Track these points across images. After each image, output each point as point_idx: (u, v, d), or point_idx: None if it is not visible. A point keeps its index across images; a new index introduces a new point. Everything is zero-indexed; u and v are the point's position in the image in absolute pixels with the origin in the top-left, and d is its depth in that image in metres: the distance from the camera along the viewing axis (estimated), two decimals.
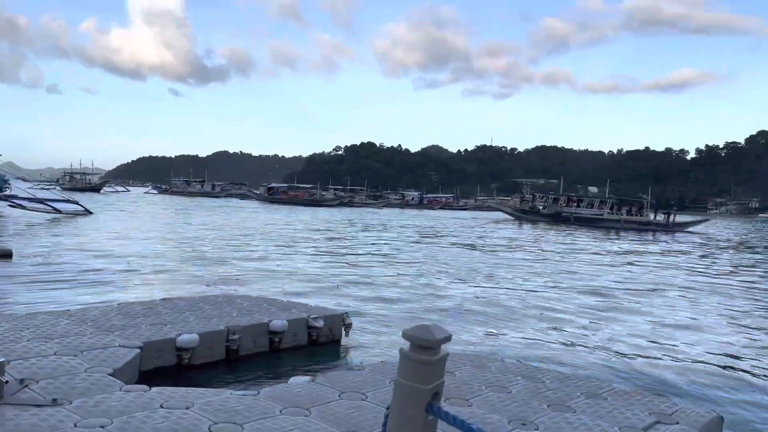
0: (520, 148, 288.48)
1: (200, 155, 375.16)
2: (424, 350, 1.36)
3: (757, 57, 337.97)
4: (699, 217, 64.21)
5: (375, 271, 13.81)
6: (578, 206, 56.47)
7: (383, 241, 23.41)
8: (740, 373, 6.46)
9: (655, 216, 53.47)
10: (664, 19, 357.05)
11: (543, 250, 22.55)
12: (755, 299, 12.22)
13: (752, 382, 6.09)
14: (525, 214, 56.28)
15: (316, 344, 6.47)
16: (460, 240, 26.51)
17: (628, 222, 50.59)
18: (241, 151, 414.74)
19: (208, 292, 9.15)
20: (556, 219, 53.03)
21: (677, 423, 3.97)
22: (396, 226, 37.04)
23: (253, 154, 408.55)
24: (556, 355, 6.75)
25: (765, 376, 6.39)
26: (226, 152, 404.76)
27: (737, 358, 7.13)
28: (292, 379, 4.43)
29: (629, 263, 18.69)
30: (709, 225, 58.36)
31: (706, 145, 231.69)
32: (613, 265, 17.85)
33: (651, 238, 37.18)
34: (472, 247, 22.92)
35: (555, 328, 8.21)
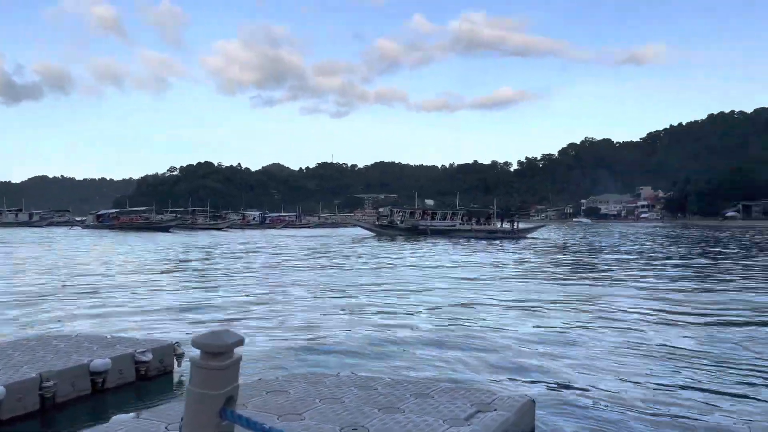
0: (360, 165, 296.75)
1: (14, 181, 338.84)
2: (215, 356, 1.37)
3: (565, 77, 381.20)
4: (537, 224, 72.21)
5: (214, 296, 13.34)
6: (433, 219, 60.24)
7: (227, 265, 22.70)
8: (550, 358, 7.17)
9: (501, 224, 58.59)
10: (485, 41, 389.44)
11: (397, 265, 23.29)
12: (575, 294, 13.60)
13: (561, 366, 6.79)
14: (384, 230, 58.10)
15: (145, 379, 6.10)
16: (313, 261, 26.55)
17: (479, 231, 54.64)
18: (62, 176, 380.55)
19: (19, 335, 8.23)
20: (414, 232, 55.76)
21: (495, 410, 4.32)
22: (241, 248, 36.14)
23: (77, 179, 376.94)
24: (392, 363, 7.01)
25: (568, 360, 7.15)
26: (44, 177, 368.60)
27: (548, 346, 7.90)
28: (114, 418, 4.16)
29: (473, 280, 19.86)
30: (543, 231, 64.75)
31: (526, 158, 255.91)
32: (450, 277, 18.92)
33: (499, 244, 40.18)
34: (325, 266, 23.03)
35: (395, 340, 8.50)
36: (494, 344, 8.01)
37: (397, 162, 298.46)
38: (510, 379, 6.35)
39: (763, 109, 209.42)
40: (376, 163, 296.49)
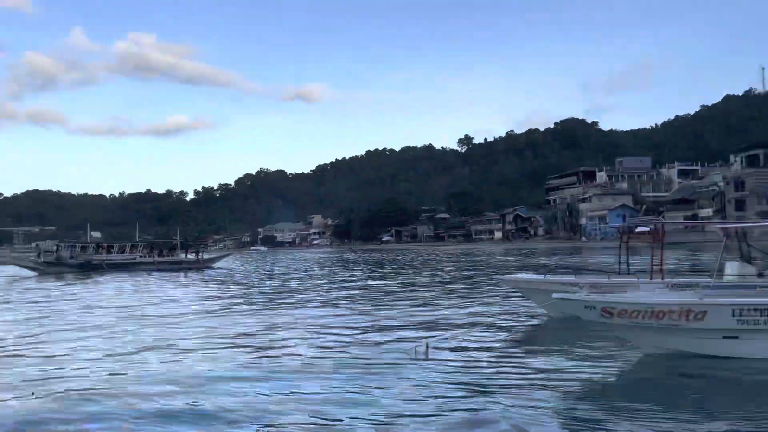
0: (8, 193, 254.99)
1: None
2: None
3: (239, 108, 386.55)
4: (222, 254, 71.85)
5: None
6: (110, 252, 54.93)
7: None
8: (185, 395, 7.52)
9: (186, 255, 56.93)
10: (155, 66, 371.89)
11: (63, 309, 20.85)
12: (243, 326, 14.17)
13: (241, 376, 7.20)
14: (49, 267, 50.58)
15: None
16: None
17: (162, 263, 52.30)
18: None
19: None
20: (87, 268, 50.02)
21: None
22: None
23: None
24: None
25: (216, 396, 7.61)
26: None
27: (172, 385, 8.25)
28: None
29: (148, 318, 19.07)
30: (227, 260, 64.74)
31: (203, 187, 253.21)
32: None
33: (184, 276, 38.80)
34: None
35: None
36: (146, 390, 7.98)
37: (56, 190, 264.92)
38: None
39: (408, 147, 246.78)
40: (28, 191, 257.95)
